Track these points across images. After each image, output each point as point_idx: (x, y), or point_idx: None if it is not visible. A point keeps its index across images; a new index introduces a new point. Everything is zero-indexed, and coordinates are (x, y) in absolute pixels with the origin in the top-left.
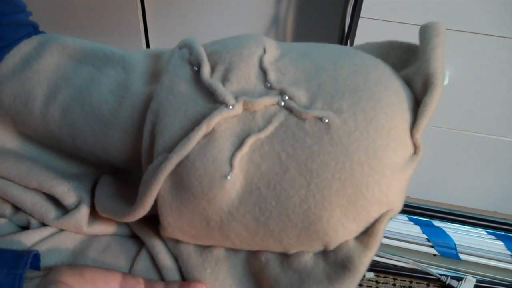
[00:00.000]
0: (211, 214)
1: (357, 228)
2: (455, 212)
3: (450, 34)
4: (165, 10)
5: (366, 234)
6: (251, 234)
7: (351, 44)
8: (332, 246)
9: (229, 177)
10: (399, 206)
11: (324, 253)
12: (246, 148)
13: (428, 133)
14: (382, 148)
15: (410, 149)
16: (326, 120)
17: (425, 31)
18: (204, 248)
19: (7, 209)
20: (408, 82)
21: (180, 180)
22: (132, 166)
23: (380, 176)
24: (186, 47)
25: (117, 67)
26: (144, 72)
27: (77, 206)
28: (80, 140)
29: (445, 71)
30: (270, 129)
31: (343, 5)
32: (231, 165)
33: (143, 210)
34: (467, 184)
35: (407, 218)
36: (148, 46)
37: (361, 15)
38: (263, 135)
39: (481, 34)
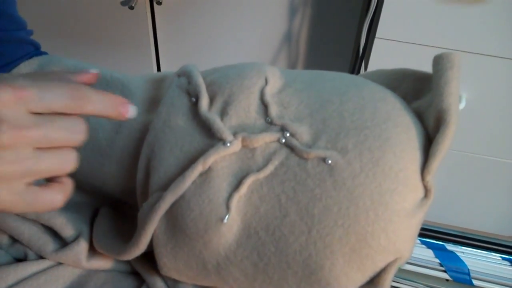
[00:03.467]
0: (207, 257)
1: (362, 278)
2: (469, 236)
3: (467, 57)
4: (176, 24)
5: (372, 284)
6: (250, 280)
7: (366, 64)
8: None
9: (225, 221)
10: (409, 255)
11: None
12: (244, 189)
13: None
14: (389, 193)
15: (421, 192)
16: (330, 161)
17: (439, 62)
18: None
19: (4, 240)
20: (420, 116)
21: (175, 220)
22: (129, 199)
23: (386, 223)
24: (185, 75)
25: (117, 92)
26: (143, 99)
27: (76, 238)
28: (77, 169)
29: (462, 94)
30: (270, 168)
31: (357, 25)
32: (227, 207)
33: (138, 249)
34: (482, 208)
35: (419, 241)
36: (158, 63)
37: (376, 36)
38: (262, 175)
39: (499, 57)
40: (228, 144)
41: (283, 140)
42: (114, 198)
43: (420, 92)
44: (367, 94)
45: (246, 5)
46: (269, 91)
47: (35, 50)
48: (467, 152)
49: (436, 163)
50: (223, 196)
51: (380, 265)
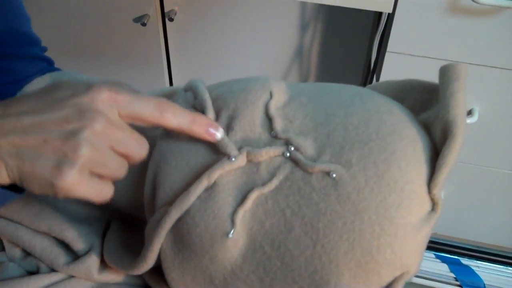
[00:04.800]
0: (214, 272)
1: None
2: (484, 250)
3: (479, 70)
4: (188, 40)
5: None
6: None
7: (377, 79)
8: None
9: (230, 235)
10: (416, 269)
11: None
12: (249, 203)
13: (458, 169)
14: (395, 207)
15: (427, 206)
16: (334, 175)
17: (445, 73)
18: None
19: (17, 253)
20: (427, 128)
21: (181, 236)
22: (139, 214)
23: (392, 237)
24: (191, 90)
25: None
26: None
27: (87, 252)
28: None
29: (475, 108)
30: (275, 182)
31: (369, 39)
32: (232, 222)
33: (146, 265)
34: (497, 221)
35: (434, 255)
36: (170, 79)
37: (387, 50)
38: (267, 189)
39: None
40: (233, 159)
41: (288, 154)
42: (125, 212)
43: (428, 103)
44: (372, 107)
45: (257, 21)
46: (274, 105)
47: (49, 66)
48: (482, 166)
49: (442, 176)
50: (228, 210)
51: (387, 279)
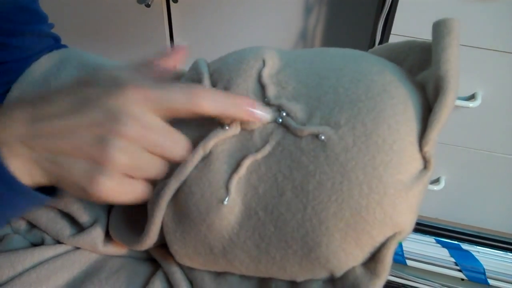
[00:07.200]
0: (212, 241)
1: (362, 253)
2: (484, 236)
3: (483, 53)
4: (192, 22)
5: (373, 260)
6: (254, 262)
7: None
8: (338, 273)
9: (226, 202)
10: (409, 228)
11: (333, 281)
12: (243, 170)
13: (460, 153)
14: (383, 165)
15: (419, 164)
16: (323, 137)
17: (436, 30)
18: (219, 274)
19: (22, 225)
20: (424, 87)
21: (180, 206)
22: None
23: (381, 196)
24: (194, 67)
25: None
26: None
27: (93, 224)
28: None
29: (478, 91)
30: (267, 148)
31: (373, 21)
32: (227, 189)
33: (149, 239)
34: (497, 207)
35: (434, 240)
36: None
37: (392, 32)
38: (260, 155)
39: None
40: (227, 127)
41: (280, 120)
42: None
43: (426, 63)
44: (364, 68)
45: (262, 3)
46: (267, 73)
47: (56, 43)
48: (484, 151)
49: (434, 133)
50: (223, 178)
51: (379, 239)
